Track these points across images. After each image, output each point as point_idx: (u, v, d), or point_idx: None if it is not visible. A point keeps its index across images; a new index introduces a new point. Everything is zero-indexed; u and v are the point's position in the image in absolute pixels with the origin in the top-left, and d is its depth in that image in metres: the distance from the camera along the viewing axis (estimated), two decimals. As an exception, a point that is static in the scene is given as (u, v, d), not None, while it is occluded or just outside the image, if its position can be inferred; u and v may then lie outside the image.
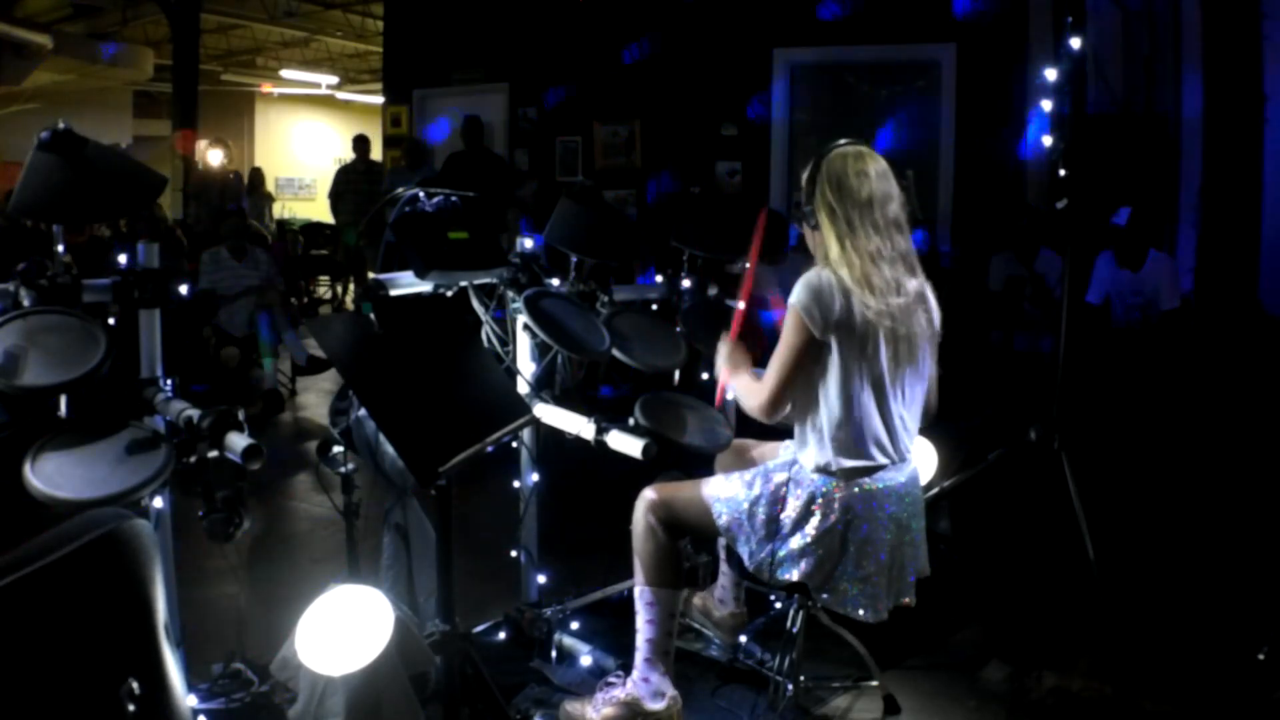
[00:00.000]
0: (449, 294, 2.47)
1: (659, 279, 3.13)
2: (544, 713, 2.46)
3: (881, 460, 2.15)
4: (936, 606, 2.45)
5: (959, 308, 5.35)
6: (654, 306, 3.00)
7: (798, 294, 2.10)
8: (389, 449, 2.29)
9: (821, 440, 2.15)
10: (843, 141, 2.20)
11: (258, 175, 11.53)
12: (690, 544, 2.72)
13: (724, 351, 2.44)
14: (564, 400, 2.64)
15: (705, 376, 2.67)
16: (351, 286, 10.42)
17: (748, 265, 2.52)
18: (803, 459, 2.18)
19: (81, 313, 1.91)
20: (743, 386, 2.34)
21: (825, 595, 2.18)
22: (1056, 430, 2.96)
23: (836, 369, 2.10)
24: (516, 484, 2.83)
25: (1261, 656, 2.63)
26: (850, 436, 2.12)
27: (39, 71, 12.21)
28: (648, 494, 2.34)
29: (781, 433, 2.36)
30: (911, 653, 2.81)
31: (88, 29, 12.83)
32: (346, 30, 14.13)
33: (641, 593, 2.31)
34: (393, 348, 2.02)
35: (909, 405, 2.20)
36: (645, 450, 2.32)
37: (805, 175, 2.21)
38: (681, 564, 2.34)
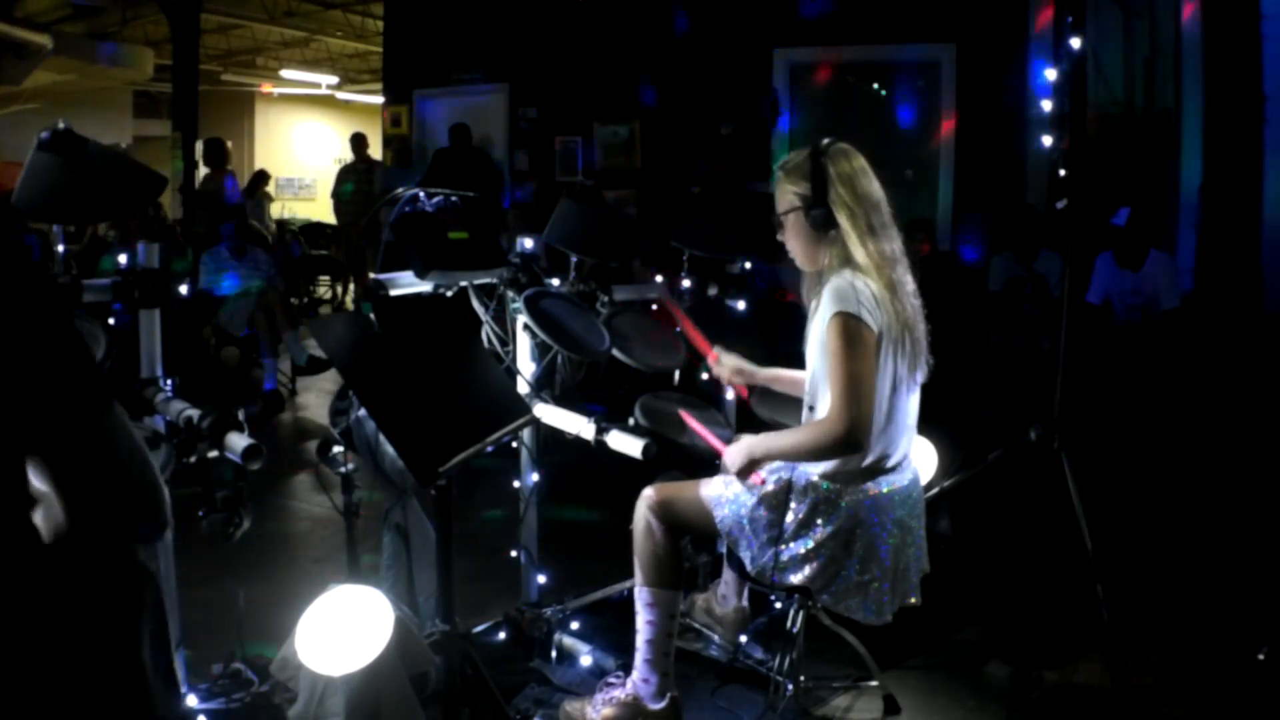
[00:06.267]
0: (449, 294, 2.47)
1: (659, 279, 3.13)
2: (544, 713, 2.46)
3: (890, 463, 2.15)
4: (936, 606, 2.45)
5: (959, 308, 5.36)
6: (654, 306, 3.00)
7: (845, 301, 2.01)
8: (389, 449, 2.29)
9: None
10: (829, 139, 2.17)
11: (260, 177, 11.52)
12: (690, 544, 2.72)
13: (733, 466, 2.19)
14: (564, 400, 2.64)
15: (705, 377, 2.67)
16: (351, 286, 10.43)
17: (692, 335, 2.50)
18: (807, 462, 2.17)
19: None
20: (793, 439, 2.10)
21: (827, 598, 2.17)
22: (1056, 430, 2.95)
23: None
24: (516, 484, 2.83)
25: (1261, 656, 2.63)
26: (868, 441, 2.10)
27: (39, 71, 12.20)
28: (648, 494, 2.33)
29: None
30: (911, 653, 2.81)
31: (88, 29, 12.83)
32: (346, 30, 14.13)
33: (641, 593, 2.30)
34: (393, 348, 2.02)
35: (913, 407, 2.20)
36: (645, 450, 2.32)
37: (799, 173, 2.15)
38: (682, 564, 2.33)
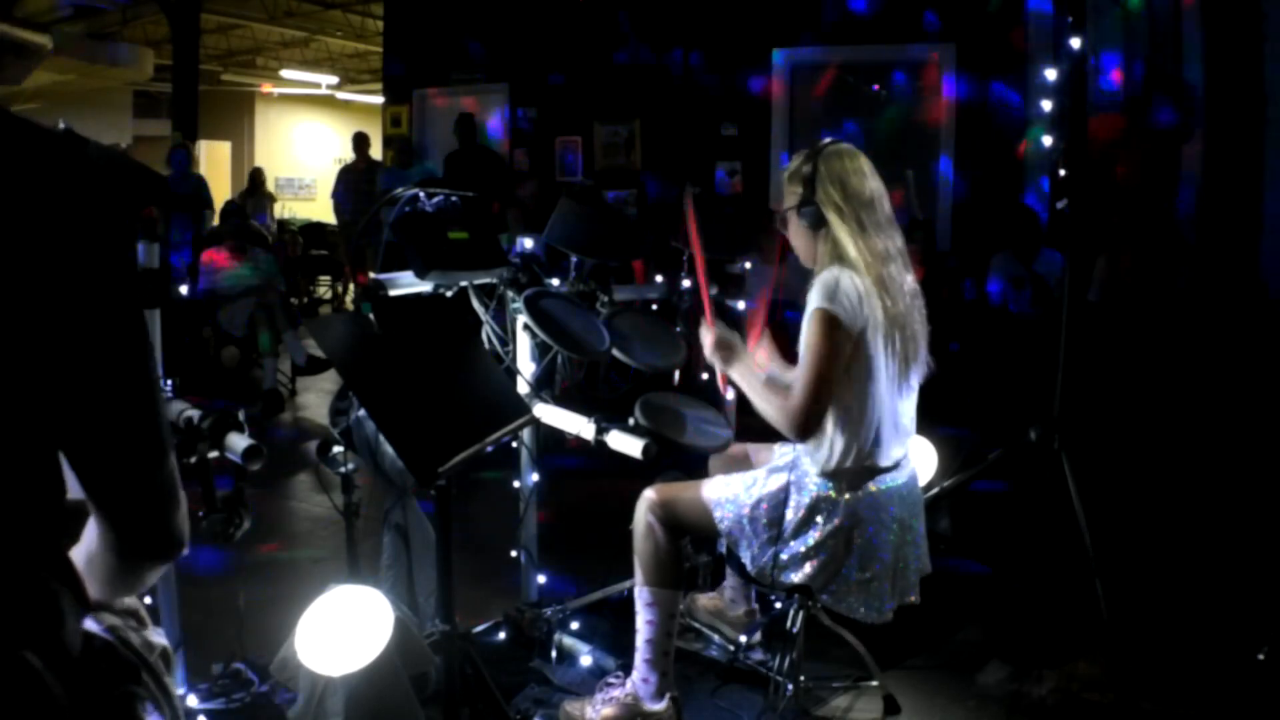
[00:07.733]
0: (449, 294, 2.47)
1: (659, 279, 3.13)
2: (544, 713, 2.46)
3: (887, 462, 2.15)
4: (936, 606, 2.45)
5: (960, 309, 5.36)
6: (654, 306, 3.00)
7: (823, 296, 2.04)
8: (389, 449, 2.29)
9: (829, 442, 2.13)
10: (830, 140, 2.21)
11: (258, 175, 11.51)
12: (690, 544, 2.72)
13: (709, 342, 2.29)
14: (564, 400, 2.63)
15: (705, 376, 2.67)
16: (351, 286, 10.42)
17: (695, 254, 2.49)
18: (805, 461, 2.17)
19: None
20: (761, 394, 2.17)
21: (827, 597, 2.17)
22: (1056, 430, 2.95)
23: (854, 372, 2.08)
24: (516, 484, 2.83)
25: (1261, 656, 2.63)
26: (861, 439, 2.11)
27: (39, 71, 12.19)
28: (648, 494, 2.34)
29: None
30: (911, 653, 2.81)
31: (88, 29, 12.82)
32: (346, 30, 14.13)
33: (641, 593, 2.31)
34: (393, 348, 2.02)
35: (910, 405, 2.21)
36: (645, 450, 2.32)
37: (797, 175, 2.20)
38: (682, 564, 2.34)
